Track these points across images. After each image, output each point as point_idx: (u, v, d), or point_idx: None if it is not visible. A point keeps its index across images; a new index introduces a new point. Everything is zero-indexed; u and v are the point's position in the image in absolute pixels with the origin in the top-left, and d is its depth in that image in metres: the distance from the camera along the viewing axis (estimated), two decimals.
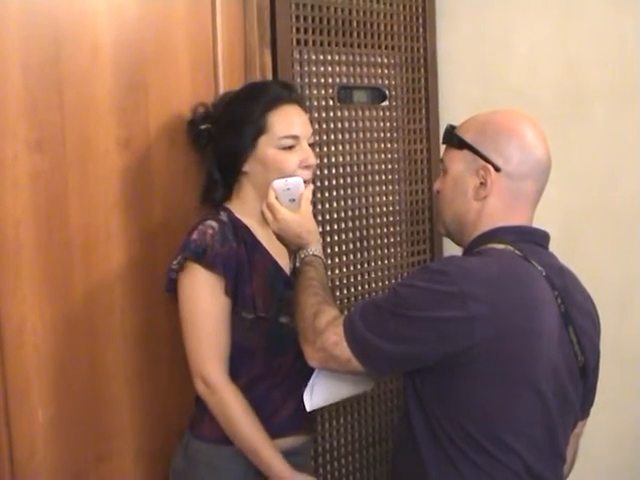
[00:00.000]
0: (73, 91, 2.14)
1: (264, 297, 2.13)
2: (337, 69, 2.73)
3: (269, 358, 2.14)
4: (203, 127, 2.28)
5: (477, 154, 1.87)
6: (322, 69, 2.68)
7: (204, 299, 2.07)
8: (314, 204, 2.62)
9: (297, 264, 2.02)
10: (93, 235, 2.20)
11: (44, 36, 2.09)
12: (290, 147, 2.12)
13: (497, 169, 1.84)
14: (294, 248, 2.05)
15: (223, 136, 2.19)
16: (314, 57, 2.65)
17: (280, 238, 2.06)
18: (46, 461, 2.15)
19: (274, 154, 2.11)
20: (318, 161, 2.56)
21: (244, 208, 2.19)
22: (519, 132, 1.86)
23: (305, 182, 2.10)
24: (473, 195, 1.88)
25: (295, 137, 2.12)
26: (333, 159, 2.72)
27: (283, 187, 2.05)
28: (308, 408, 2.06)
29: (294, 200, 2.06)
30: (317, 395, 2.06)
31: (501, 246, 1.82)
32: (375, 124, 2.87)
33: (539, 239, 1.90)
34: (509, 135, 1.85)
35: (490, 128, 1.88)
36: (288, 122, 2.13)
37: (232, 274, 2.08)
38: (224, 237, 2.10)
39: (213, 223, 2.11)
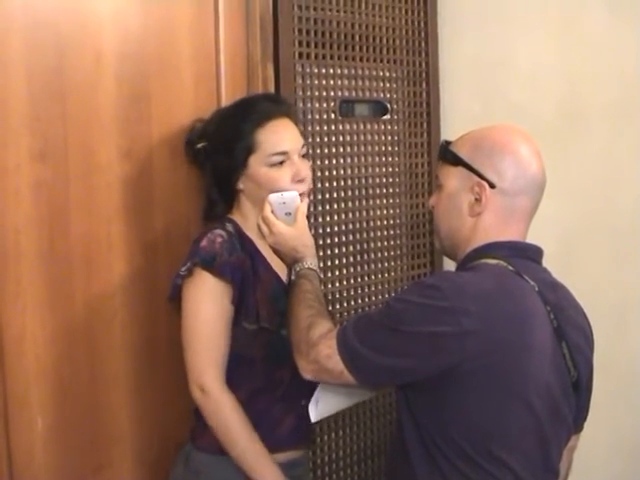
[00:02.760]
0: (76, 101, 2.15)
1: (267, 309, 2.13)
2: (339, 82, 2.73)
3: (269, 370, 2.15)
4: (199, 146, 2.27)
5: (472, 171, 1.87)
6: (324, 82, 2.69)
7: (209, 306, 2.08)
8: (315, 217, 2.63)
9: (292, 277, 2.03)
10: (94, 245, 2.21)
11: (47, 46, 2.10)
12: (281, 163, 2.11)
13: (492, 186, 1.85)
14: (290, 261, 2.07)
15: (216, 155, 2.20)
16: (316, 70, 2.66)
17: (276, 251, 2.08)
18: (45, 469, 2.15)
19: (265, 172, 2.11)
20: (318, 173, 2.58)
21: (246, 223, 2.20)
22: (514, 148, 1.86)
23: (301, 195, 2.12)
24: (468, 211, 1.89)
25: (284, 153, 2.12)
26: (334, 172, 2.73)
27: (279, 201, 2.07)
28: (313, 419, 2.07)
29: (290, 214, 2.08)
30: (322, 406, 2.06)
31: (494, 261, 1.82)
32: (376, 137, 2.88)
33: (532, 254, 1.91)
34: (503, 151, 1.86)
35: (485, 144, 1.89)
36: (276, 139, 2.12)
37: (239, 283, 2.09)
38: (232, 246, 2.10)
39: (222, 232, 2.11)
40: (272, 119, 2.14)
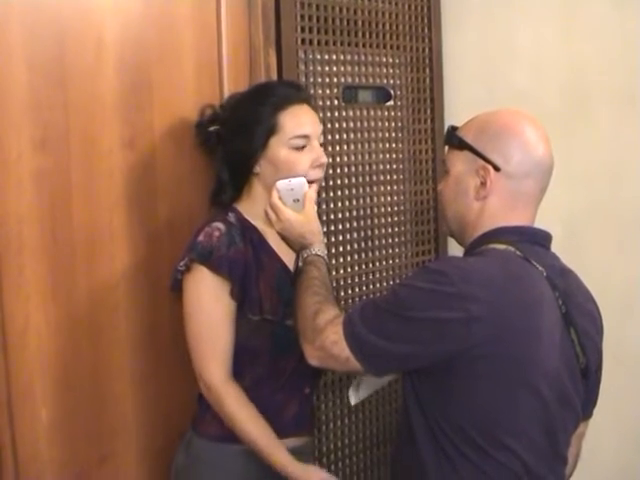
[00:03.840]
0: (77, 90, 2.14)
1: (271, 299, 2.13)
2: (342, 69, 2.72)
3: (273, 360, 2.14)
4: (212, 129, 2.27)
5: (477, 154, 1.86)
6: (327, 69, 2.68)
7: (208, 301, 2.07)
8: (319, 204, 2.61)
9: (300, 264, 2.02)
10: (97, 234, 2.20)
11: (48, 34, 2.08)
12: (301, 147, 2.11)
13: (497, 169, 1.84)
14: (297, 248, 2.07)
15: (233, 138, 2.18)
16: (319, 57, 2.65)
17: (284, 238, 2.08)
18: (50, 461, 2.15)
19: (286, 154, 2.11)
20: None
21: (254, 209, 2.19)
22: (519, 131, 1.85)
23: (315, 181, 2.13)
24: (474, 195, 1.88)
25: (306, 137, 2.12)
26: (338, 159, 2.72)
27: (287, 187, 2.06)
28: (353, 402, 2.11)
29: (298, 200, 2.07)
30: (363, 389, 2.10)
31: (502, 246, 1.81)
32: (380, 124, 2.87)
33: (541, 239, 1.89)
34: (509, 134, 1.84)
35: (490, 128, 1.88)
36: (299, 122, 2.12)
37: (238, 277, 2.08)
38: (231, 239, 2.09)
39: (220, 225, 2.10)
40: (293, 103, 2.14)
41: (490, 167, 1.84)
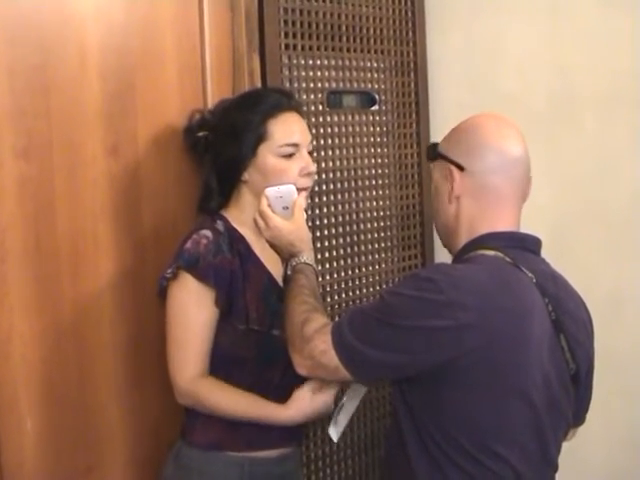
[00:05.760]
0: (60, 97, 2.13)
1: (257, 309, 2.12)
2: (326, 74, 2.71)
3: (259, 369, 2.13)
4: (200, 134, 2.26)
5: (445, 159, 1.88)
6: (311, 74, 2.67)
7: (191, 308, 2.06)
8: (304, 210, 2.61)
9: (288, 272, 2.01)
10: (81, 243, 2.19)
11: (30, 41, 2.07)
12: (290, 155, 2.11)
13: (461, 168, 1.85)
14: (286, 256, 2.05)
15: (222, 144, 2.17)
16: (303, 62, 2.64)
17: (273, 246, 2.06)
18: (35, 471, 2.14)
19: (274, 162, 2.10)
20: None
21: (241, 217, 2.18)
22: (481, 128, 1.86)
23: (304, 189, 2.11)
24: (447, 200, 1.89)
25: (295, 145, 2.12)
26: (323, 164, 2.71)
27: (276, 195, 2.05)
28: (336, 439, 2.09)
29: (287, 208, 2.06)
30: (340, 422, 2.09)
31: (491, 253, 1.80)
32: (365, 129, 2.86)
33: (530, 245, 1.88)
34: (470, 134, 1.87)
35: (456, 131, 1.91)
36: (288, 130, 2.12)
37: (224, 285, 2.07)
38: (218, 247, 2.08)
39: (208, 233, 2.09)
40: (283, 111, 2.14)
41: (454, 168, 1.85)
